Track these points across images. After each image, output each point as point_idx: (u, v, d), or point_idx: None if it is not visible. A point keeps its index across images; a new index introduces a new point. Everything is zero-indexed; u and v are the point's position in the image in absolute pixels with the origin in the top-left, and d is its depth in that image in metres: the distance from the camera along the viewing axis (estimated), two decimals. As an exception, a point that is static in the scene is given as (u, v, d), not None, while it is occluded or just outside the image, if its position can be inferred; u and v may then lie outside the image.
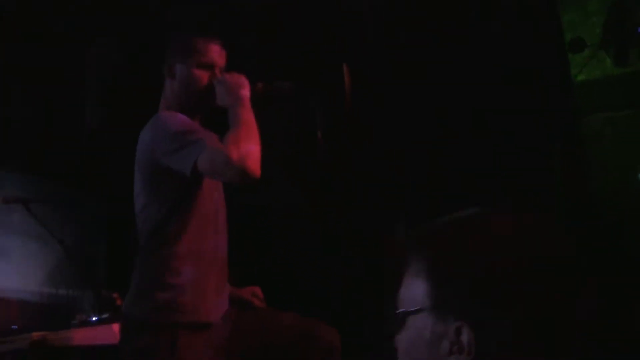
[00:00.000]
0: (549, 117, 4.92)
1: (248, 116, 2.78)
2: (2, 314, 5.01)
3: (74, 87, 5.79)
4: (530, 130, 4.86)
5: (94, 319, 4.27)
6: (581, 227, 4.44)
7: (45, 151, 5.41)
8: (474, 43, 4.91)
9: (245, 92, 2.87)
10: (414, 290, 1.22)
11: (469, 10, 5.03)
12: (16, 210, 4.66)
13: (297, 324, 3.02)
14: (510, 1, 5.08)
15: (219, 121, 2.87)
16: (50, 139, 5.44)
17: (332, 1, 5.29)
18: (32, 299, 5.35)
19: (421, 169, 4.85)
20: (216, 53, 3.03)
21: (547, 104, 4.91)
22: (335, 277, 4.85)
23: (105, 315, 4.25)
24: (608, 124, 5.11)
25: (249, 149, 2.62)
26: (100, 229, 6.00)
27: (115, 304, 4.29)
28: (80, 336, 4.09)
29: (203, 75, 2.97)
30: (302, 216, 5.06)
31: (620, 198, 4.87)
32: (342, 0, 5.32)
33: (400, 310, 1.24)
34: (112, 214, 5.98)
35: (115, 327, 4.05)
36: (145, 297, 2.77)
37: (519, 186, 4.56)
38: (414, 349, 1.21)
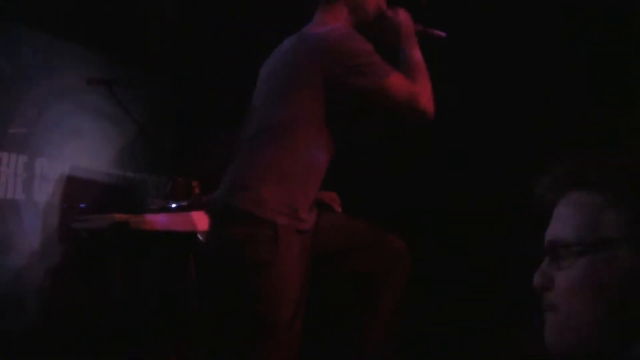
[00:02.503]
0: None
1: (421, 57, 2.99)
2: (72, 192, 5.19)
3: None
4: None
5: (173, 205, 4.45)
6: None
7: (121, 34, 5.49)
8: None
9: (413, 30, 3.07)
10: (602, 220, 1.16)
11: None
12: (92, 90, 4.80)
13: (370, 229, 3.20)
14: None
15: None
16: (126, 22, 5.52)
17: None
18: (102, 179, 5.53)
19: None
20: None
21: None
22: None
23: (183, 203, 4.43)
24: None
25: (430, 92, 2.87)
26: (170, 115, 6.14)
27: (193, 192, 4.48)
28: (160, 221, 4.29)
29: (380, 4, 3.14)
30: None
31: None
32: None
33: (577, 242, 1.17)
34: (181, 101, 6.11)
35: (194, 214, 4.27)
36: (250, 190, 2.81)
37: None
38: (592, 289, 1.16)
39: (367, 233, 3.17)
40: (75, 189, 5.23)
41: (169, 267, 4.55)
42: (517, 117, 4.65)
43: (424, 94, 2.86)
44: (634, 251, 1.12)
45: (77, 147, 5.31)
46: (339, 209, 3.31)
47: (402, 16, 3.10)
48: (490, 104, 4.75)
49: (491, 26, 4.68)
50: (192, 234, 4.21)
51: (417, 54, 3.01)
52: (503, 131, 4.68)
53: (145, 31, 5.58)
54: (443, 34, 3.20)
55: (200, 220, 4.24)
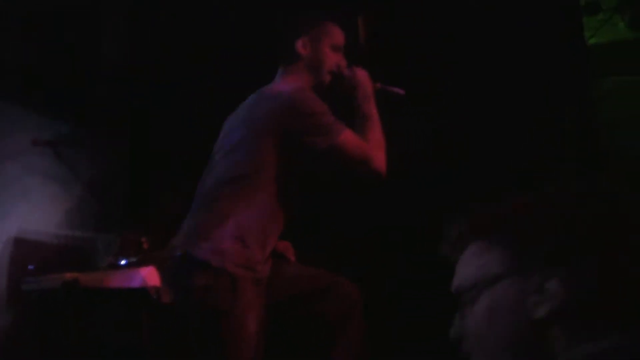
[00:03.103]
0: (562, 79, 5.12)
1: (377, 116, 3.13)
2: (20, 254, 5.20)
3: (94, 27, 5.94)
4: (542, 93, 5.05)
5: (122, 262, 4.51)
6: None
7: (66, 91, 5.54)
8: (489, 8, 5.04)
9: (371, 89, 3.21)
10: (487, 262, 1.31)
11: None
12: (37, 151, 4.87)
13: (323, 276, 3.31)
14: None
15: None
16: (71, 79, 5.57)
17: None
18: (50, 240, 5.55)
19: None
20: (342, 37, 3.35)
21: (561, 67, 5.10)
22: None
23: (133, 259, 4.49)
24: (618, 87, 5.35)
25: (384, 152, 3.02)
26: (118, 172, 6.18)
27: (142, 247, 4.55)
28: (111, 278, 4.35)
29: (333, 56, 3.28)
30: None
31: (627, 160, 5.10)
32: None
33: (474, 285, 1.32)
34: (129, 158, 6.16)
35: (144, 270, 4.33)
36: (210, 241, 2.96)
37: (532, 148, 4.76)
38: (495, 316, 1.29)
39: (320, 280, 3.28)
40: (23, 250, 5.22)
41: (120, 324, 4.59)
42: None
43: (376, 154, 2.99)
44: (517, 280, 1.27)
45: (25, 208, 5.31)
46: (292, 258, 3.42)
47: (360, 75, 3.25)
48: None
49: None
50: (143, 290, 4.27)
51: (373, 113, 3.15)
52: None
53: (90, 90, 5.64)
54: (402, 92, 3.33)
55: (151, 276, 4.30)
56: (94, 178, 5.39)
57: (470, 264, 1.35)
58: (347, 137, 2.98)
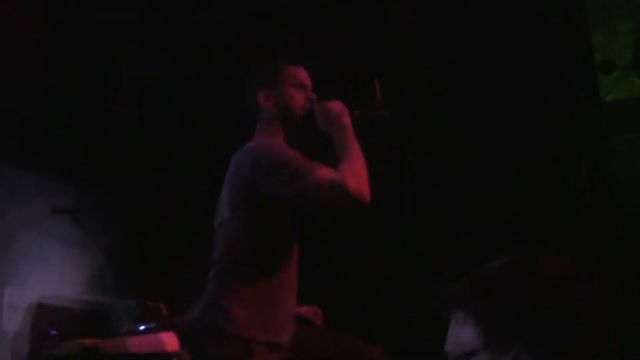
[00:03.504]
0: (577, 135, 5.17)
1: (355, 144, 3.06)
2: (41, 320, 5.24)
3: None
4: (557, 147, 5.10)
5: (141, 328, 4.54)
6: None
7: (82, 158, 5.63)
8: (504, 65, 5.13)
9: (347, 119, 3.15)
10: (464, 336, 1.40)
11: (498, 32, 5.26)
12: (56, 218, 4.94)
13: (351, 346, 3.29)
14: (540, 22, 5.32)
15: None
16: (87, 146, 5.67)
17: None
18: (71, 305, 5.59)
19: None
20: (305, 75, 3.35)
21: (577, 122, 5.16)
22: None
23: (152, 325, 4.52)
24: (635, 144, 5.39)
25: (363, 177, 2.92)
26: (136, 239, 6.24)
27: (161, 314, 4.58)
28: (130, 344, 4.38)
29: (299, 96, 3.27)
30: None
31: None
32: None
33: (455, 355, 1.42)
34: (145, 222, 6.23)
35: (163, 335, 4.36)
36: (222, 310, 2.97)
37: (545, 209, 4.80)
38: None
39: (349, 349, 3.26)
40: (44, 316, 5.27)
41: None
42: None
43: (355, 183, 2.87)
44: (491, 354, 1.37)
45: (46, 275, 5.38)
46: (320, 324, 3.41)
47: (335, 108, 3.20)
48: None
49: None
50: (162, 355, 4.30)
51: (350, 144, 3.06)
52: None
53: (107, 158, 5.73)
54: (385, 112, 3.31)
55: (170, 341, 4.33)
56: (112, 244, 5.44)
57: (454, 335, 1.44)
58: (319, 175, 2.89)
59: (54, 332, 5.13)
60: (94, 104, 5.88)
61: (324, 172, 2.92)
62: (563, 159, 5.16)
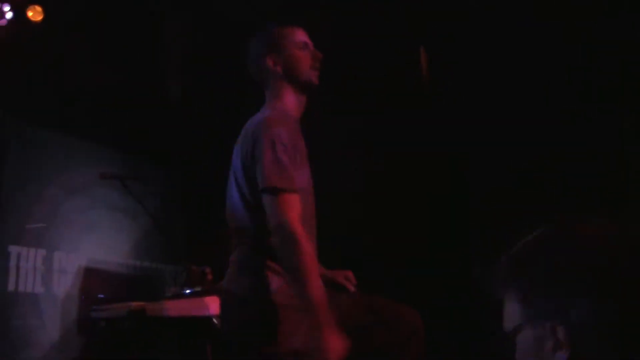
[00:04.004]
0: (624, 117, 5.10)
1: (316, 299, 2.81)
2: (89, 284, 5.39)
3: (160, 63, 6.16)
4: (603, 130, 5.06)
5: (187, 291, 4.65)
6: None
7: (132, 126, 5.73)
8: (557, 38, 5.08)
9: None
10: (512, 312, 1.43)
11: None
12: (104, 185, 5.05)
13: (385, 306, 3.32)
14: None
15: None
16: (138, 114, 5.78)
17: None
18: (118, 270, 5.75)
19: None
20: (304, 34, 3.36)
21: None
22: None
23: (197, 289, 4.62)
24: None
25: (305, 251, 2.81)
26: (182, 205, 6.36)
27: (206, 278, 4.68)
28: (176, 307, 4.48)
29: (304, 55, 3.27)
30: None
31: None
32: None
33: (507, 328, 1.43)
34: (189, 190, 6.34)
35: (208, 299, 4.46)
36: (246, 276, 3.02)
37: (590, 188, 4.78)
38: (525, 357, 1.41)
39: (380, 309, 3.29)
40: (92, 280, 5.41)
41: (185, 352, 4.71)
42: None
43: (299, 237, 2.81)
44: (533, 329, 1.38)
45: (94, 240, 5.53)
46: (352, 289, 3.44)
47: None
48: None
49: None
50: (207, 319, 4.40)
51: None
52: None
53: (154, 125, 5.82)
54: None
55: (214, 305, 4.42)
56: (159, 210, 5.54)
57: (506, 312, 1.45)
58: (286, 199, 2.86)
59: (101, 295, 5.26)
60: (144, 75, 5.98)
61: (289, 202, 2.89)
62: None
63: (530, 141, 4.91)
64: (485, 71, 5.20)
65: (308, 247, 2.84)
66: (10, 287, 4.87)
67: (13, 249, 4.93)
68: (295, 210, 2.88)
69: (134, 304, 4.46)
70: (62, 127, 5.37)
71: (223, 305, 3.21)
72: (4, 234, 4.88)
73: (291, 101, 3.27)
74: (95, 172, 4.82)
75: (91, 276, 5.42)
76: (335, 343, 2.70)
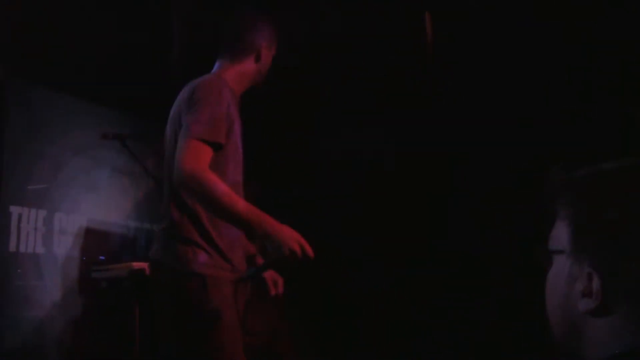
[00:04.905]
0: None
1: (244, 212, 2.89)
2: (91, 245, 5.42)
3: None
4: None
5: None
6: None
7: (133, 89, 5.72)
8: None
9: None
10: (560, 232, 1.37)
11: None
12: (106, 145, 5.06)
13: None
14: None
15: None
16: (140, 73, 5.77)
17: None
18: (119, 231, 5.78)
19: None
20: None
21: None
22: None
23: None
24: None
25: (212, 183, 2.86)
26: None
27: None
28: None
29: (270, 64, 3.44)
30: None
31: None
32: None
33: (549, 248, 1.39)
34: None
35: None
36: (175, 247, 3.04)
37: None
38: (555, 285, 1.38)
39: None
40: (93, 241, 5.44)
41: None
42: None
43: (200, 176, 2.85)
44: (571, 263, 1.35)
45: (94, 201, 5.55)
46: (273, 294, 3.46)
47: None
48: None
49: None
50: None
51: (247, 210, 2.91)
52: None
53: (156, 84, 5.82)
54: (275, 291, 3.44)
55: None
56: (159, 171, 5.54)
57: (554, 228, 1.42)
58: (195, 146, 2.89)
59: (102, 257, 5.31)
60: (150, 29, 5.99)
61: (201, 152, 2.91)
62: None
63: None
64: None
65: (218, 180, 2.87)
66: (12, 247, 4.89)
67: (14, 210, 4.94)
68: (205, 163, 2.90)
69: (135, 264, 4.51)
70: (64, 87, 5.37)
71: (152, 274, 3.24)
72: (4, 195, 4.89)
73: (240, 83, 3.36)
74: (97, 132, 4.82)
75: (92, 237, 5.45)
76: (287, 231, 2.85)
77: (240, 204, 2.87)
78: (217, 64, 3.40)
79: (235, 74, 3.32)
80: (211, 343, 2.96)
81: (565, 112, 4.78)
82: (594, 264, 1.30)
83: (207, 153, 2.92)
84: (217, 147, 2.98)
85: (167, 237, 3.10)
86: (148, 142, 5.13)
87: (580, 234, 1.34)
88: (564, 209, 1.39)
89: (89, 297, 5.17)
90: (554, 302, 1.39)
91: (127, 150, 4.68)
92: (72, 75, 5.40)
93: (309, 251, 2.85)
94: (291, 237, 2.83)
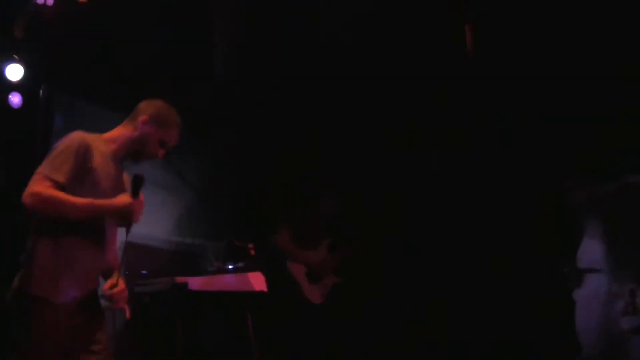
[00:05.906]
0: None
1: (82, 213, 3.28)
2: (133, 260, 5.46)
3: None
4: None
5: (230, 266, 4.72)
6: None
7: (176, 99, 5.78)
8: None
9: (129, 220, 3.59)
10: (593, 250, 1.35)
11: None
12: (149, 160, 5.12)
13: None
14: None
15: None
16: (181, 86, 5.83)
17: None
18: (161, 246, 5.83)
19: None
20: (175, 141, 3.72)
21: None
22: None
23: (240, 264, 4.70)
24: None
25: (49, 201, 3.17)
26: (225, 180, 6.40)
27: (249, 253, 4.75)
28: (218, 282, 4.57)
29: (158, 151, 3.67)
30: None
31: None
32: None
33: (580, 268, 1.37)
34: (235, 166, 6.38)
35: (250, 275, 4.54)
36: (24, 271, 3.26)
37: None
38: (590, 306, 1.38)
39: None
40: (136, 256, 5.48)
41: (227, 326, 4.79)
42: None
43: (33, 199, 3.14)
44: (612, 281, 1.36)
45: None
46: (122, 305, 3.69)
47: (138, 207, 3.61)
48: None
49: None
50: (249, 294, 4.47)
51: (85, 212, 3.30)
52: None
53: (197, 99, 5.87)
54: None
55: (257, 280, 4.51)
56: (203, 185, 5.59)
57: (584, 244, 1.40)
58: (38, 179, 3.18)
59: (144, 271, 5.36)
60: (189, 49, 6.05)
61: (42, 184, 3.20)
62: None
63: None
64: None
65: (56, 192, 3.19)
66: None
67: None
68: (44, 187, 3.19)
69: (177, 279, 4.55)
70: (108, 102, 5.44)
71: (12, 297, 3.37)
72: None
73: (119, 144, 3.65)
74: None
75: (134, 252, 5.48)
76: (120, 201, 3.48)
77: (80, 201, 3.22)
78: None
79: (116, 135, 3.64)
80: None
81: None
82: (638, 279, 1.30)
83: (46, 184, 3.20)
84: (58, 185, 3.22)
85: (22, 262, 3.30)
86: (189, 157, 5.17)
87: (618, 250, 1.33)
88: (594, 226, 1.38)
89: (132, 311, 5.21)
90: (590, 323, 1.39)
91: (169, 165, 4.73)
92: (114, 90, 5.47)
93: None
94: (124, 206, 3.49)
